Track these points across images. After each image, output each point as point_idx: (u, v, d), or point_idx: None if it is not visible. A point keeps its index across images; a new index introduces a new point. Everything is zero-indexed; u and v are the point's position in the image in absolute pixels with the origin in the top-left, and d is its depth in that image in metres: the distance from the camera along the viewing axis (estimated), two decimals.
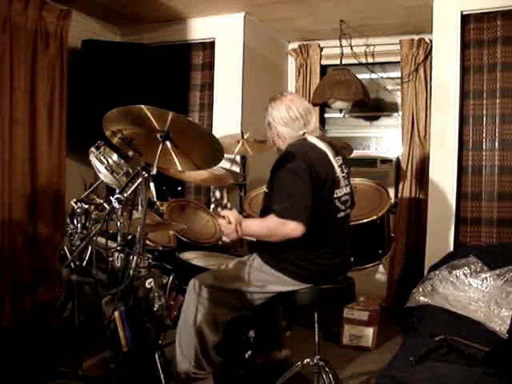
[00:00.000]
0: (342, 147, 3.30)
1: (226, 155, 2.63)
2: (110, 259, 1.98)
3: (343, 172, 2.09)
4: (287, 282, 2.03)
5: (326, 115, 4.63)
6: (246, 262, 2.13)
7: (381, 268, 3.99)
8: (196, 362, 2.07)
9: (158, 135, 1.86)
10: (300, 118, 2.05)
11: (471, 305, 2.65)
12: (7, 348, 2.70)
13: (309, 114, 2.08)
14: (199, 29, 4.01)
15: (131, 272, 1.77)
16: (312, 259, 2.01)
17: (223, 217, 2.01)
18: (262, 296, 2.08)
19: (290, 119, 2.05)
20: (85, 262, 2.11)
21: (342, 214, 2.07)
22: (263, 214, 2.11)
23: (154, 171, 1.85)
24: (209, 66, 4.04)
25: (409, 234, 3.93)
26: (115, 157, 2.08)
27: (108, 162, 2.07)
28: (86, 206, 2.18)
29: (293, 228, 1.87)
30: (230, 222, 1.97)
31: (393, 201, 3.50)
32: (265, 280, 2.05)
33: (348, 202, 2.12)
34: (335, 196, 2.03)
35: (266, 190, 2.12)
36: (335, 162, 2.04)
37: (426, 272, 3.17)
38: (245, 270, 2.08)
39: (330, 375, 2.08)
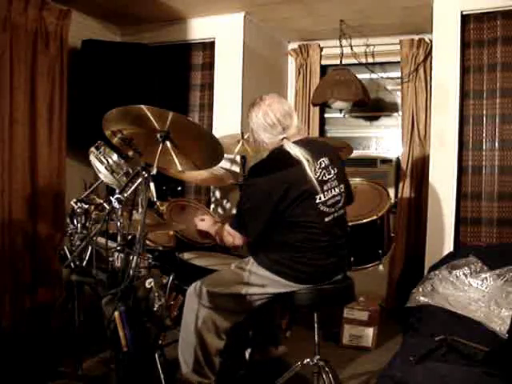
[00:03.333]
0: (341, 147, 3.33)
1: (225, 155, 2.64)
2: (110, 259, 1.98)
3: (330, 174, 2.05)
4: (283, 284, 2.03)
5: (326, 115, 4.63)
6: (242, 266, 2.13)
7: (381, 268, 3.98)
8: (199, 370, 2.08)
9: (158, 135, 1.86)
10: (277, 123, 2.02)
11: (471, 305, 2.65)
12: (7, 348, 2.70)
13: (288, 117, 2.04)
14: (199, 29, 4.00)
15: (131, 272, 1.76)
16: (304, 261, 2.01)
17: (202, 219, 2.38)
18: (261, 297, 2.09)
19: (267, 125, 2.04)
20: (85, 262, 2.11)
21: (331, 216, 2.04)
22: None
23: (154, 171, 1.85)
24: (209, 66, 4.04)
25: (409, 234, 3.93)
26: (115, 157, 2.08)
27: (108, 162, 2.07)
28: (86, 206, 2.18)
29: (232, 238, 2.12)
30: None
31: (393, 201, 3.50)
32: (262, 283, 2.05)
33: (339, 202, 2.08)
34: (318, 201, 1.99)
35: None
36: (314, 166, 1.99)
37: (426, 272, 3.17)
38: (242, 274, 2.09)
39: (330, 375, 2.08)
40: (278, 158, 2.03)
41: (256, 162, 2.09)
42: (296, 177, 1.97)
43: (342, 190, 2.11)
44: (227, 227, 2.14)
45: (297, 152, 1.99)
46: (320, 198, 2.00)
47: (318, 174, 2.01)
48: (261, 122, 2.05)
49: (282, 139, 2.04)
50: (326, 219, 2.03)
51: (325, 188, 2.02)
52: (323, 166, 2.04)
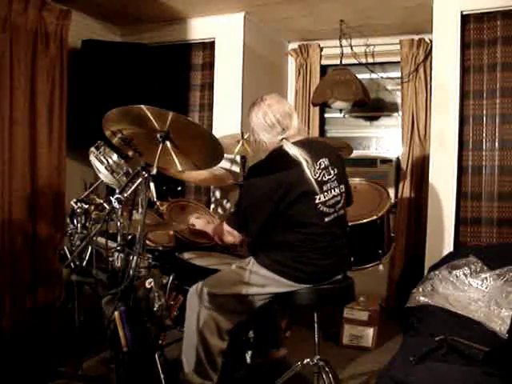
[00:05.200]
0: (341, 147, 3.33)
1: (225, 155, 2.63)
2: (110, 259, 1.98)
3: (329, 174, 2.05)
4: (284, 284, 2.03)
5: (326, 115, 4.63)
6: (243, 266, 2.13)
7: (381, 268, 3.98)
8: (201, 371, 2.08)
9: (158, 135, 1.86)
10: (277, 123, 2.03)
11: (471, 305, 2.65)
12: (7, 348, 2.70)
13: (288, 118, 2.05)
14: (199, 29, 4.01)
15: (131, 272, 1.77)
16: (304, 261, 2.01)
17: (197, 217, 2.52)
18: (262, 297, 2.08)
19: (266, 126, 2.04)
20: (85, 262, 2.11)
21: (332, 216, 2.05)
22: None
23: (154, 171, 1.85)
24: (209, 66, 4.04)
25: (409, 234, 3.93)
26: (115, 157, 2.08)
27: (108, 162, 2.07)
28: (86, 206, 2.18)
29: (232, 236, 2.16)
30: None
31: (393, 201, 3.50)
32: (263, 283, 2.05)
33: (339, 203, 2.09)
34: (317, 202, 2.00)
35: None
36: (314, 167, 1.99)
37: (426, 272, 3.17)
38: (243, 275, 2.08)
39: (330, 375, 2.08)
40: (277, 159, 2.03)
41: (255, 163, 2.10)
42: (295, 177, 1.97)
43: (342, 191, 2.11)
44: (225, 225, 2.16)
45: (296, 153, 2.00)
46: (320, 199, 2.01)
47: (318, 175, 2.01)
48: (260, 122, 2.06)
49: (282, 140, 2.05)
50: (326, 219, 2.03)
51: (324, 188, 2.02)
52: (323, 166, 2.04)
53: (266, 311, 2.39)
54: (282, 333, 2.86)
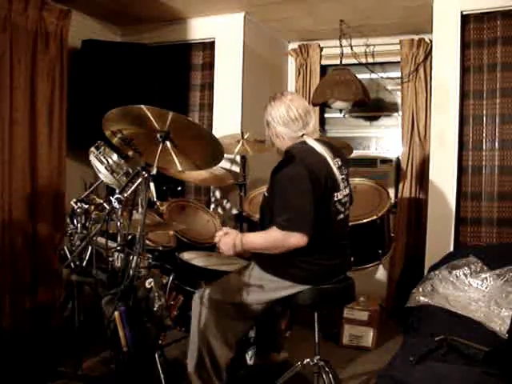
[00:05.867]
0: (341, 147, 3.32)
1: (225, 155, 2.64)
2: (110, 259, 1.98)
3: (342, 174, 2.08)
4: (288, 286, 2.03)
5: (326, 115, 4.63)
6: (245, 272, 2.12)
7: (381, 268, 3.99)
8: (207, 378, 2.07)
9: (158, 135, 1.86)
10: (299, 118, 2.03)
11: (471, 305, 2.65)
12: (7, 348, 2.70)
13: (308, 114, 2.06)
14: (199, 29, 4.01)
15: (131, 272, 1.77)
16: (311, 261, 2.01)
17: (223, 232, 2.05)
18: (264, 304, 2.08)
19: (289, 119, 2.03)
20: (85, 262, 2.11)
21: (342, 215, 2.07)
22: (263, 218, 2.14)
23: (154, 171, 1.85)
24: (209, 66, 4.04)
25: (409, 234, 3.93)
26: (115, 157, 2.08)
27: (108, 162, 2.07)
28: (86, 206, 2.18)
29: (297, 240, 1.88)
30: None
31: (393, 201, 3.50)
32: (266, 288, 2.04)
33: (347, 203, 2.12)
34: (335, 199, 2.02)
35: (266, 194, 2.10)
36: (334, 164, 2.02)
37: (426, 272, 3.17)
38: (245, 281, 2.08)
39: (330, 375, 2.08)
40: (303, 152, 2.02)
41: (283, 158, 2.06)
42: (324, 171, 1.98)
43: (349, 192, 2.14)
44: (276, 233, 1.91)
45: (320, 148, 2.02)
46: (337, 196, 2.03)
47: (336, 172, 2.04)
48: (282, 116, 2.04)
49: (302, 135, 2.06)
50: (339, 217, 2.06)
51: (340, 187, 2.05)
52: (337, 166, 2.06)
53: (268, 313, 2.38)
54: (283, 336, 2.86)
